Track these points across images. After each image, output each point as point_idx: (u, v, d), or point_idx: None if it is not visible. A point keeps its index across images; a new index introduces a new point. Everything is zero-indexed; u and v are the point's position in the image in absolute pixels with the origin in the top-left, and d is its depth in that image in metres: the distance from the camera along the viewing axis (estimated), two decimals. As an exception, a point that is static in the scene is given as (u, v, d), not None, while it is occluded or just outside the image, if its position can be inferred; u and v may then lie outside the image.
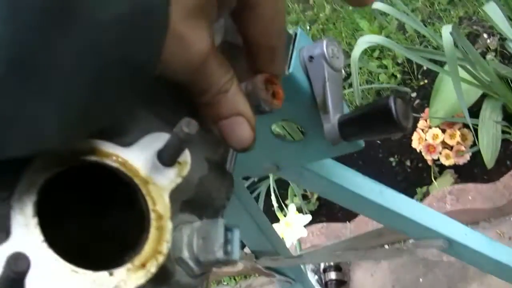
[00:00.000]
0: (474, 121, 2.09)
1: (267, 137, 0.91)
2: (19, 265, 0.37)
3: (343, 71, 2.40)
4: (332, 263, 2.43)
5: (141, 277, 0.43)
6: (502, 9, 1.79)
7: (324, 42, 0.81)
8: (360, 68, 2.82)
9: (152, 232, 0.45)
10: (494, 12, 1.80)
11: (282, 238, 1.61)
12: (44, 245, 0.42)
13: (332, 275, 2.41)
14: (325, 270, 2.45)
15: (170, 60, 0.43)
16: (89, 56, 0.34)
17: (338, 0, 3.33)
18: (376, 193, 1.03)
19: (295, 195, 2.63)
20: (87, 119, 0.39)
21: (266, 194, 2.67)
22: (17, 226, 0.42)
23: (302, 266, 1.47)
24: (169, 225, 0.46)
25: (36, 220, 0.42)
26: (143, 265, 0.44)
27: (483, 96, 2.15)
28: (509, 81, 2.18)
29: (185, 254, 0.47)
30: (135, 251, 0.45)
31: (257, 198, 2.62)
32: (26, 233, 0.42)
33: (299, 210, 2.46)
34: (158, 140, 0.49)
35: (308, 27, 3.33)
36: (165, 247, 0.45)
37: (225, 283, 2.81)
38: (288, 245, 2.27)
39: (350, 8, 3.21)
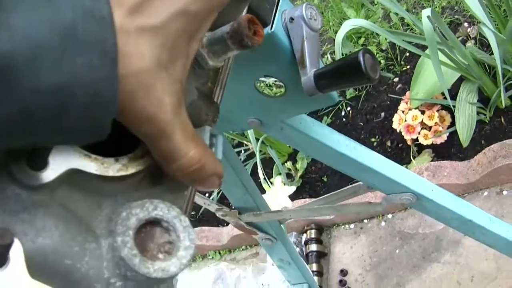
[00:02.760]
0: (451, 103, 2.19)
1: (251, 93, 1.01)
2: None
3: (328, 55, 2.49)
4: (313, 236, 2.53)
5: (140, 164, 0.53)
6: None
7: (304, 6, 0.92)
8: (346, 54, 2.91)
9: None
10: (472, 1, 1.91)
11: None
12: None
13: (313, 247, 2.50)
14: (306, 243, 2.54)
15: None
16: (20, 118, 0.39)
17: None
18: (351, 148, 1.13)
19: (279, 174, 2.72)
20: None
21: (252, 172, 2.76)
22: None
23: (283, 226, 1.56)
24: (165, 128, 0.56)
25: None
26: (142, 156, 0.54)
27: (461, 80, 2.25)
28: (486, 66, 2.29)
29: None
30: (136, 146, 0.55)
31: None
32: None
33: (283, 186, 2.56)
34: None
35: (296, 14, 3.41)
36: (161, 144, 0.55)
37: (210, 256, 2.89)
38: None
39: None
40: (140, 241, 0.52)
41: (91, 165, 0.51)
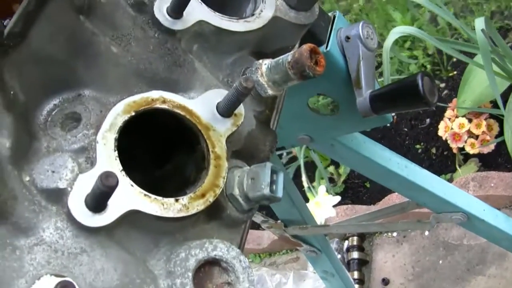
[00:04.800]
0: (500, 112, 2.14)
1: (303, 110, 0.99)
2: (110, 180, 0.45)
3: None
4: (355, 243, 2.50)
5: (201, 204, 0.52)
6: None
7: (360, 24, 0.90)
8: (391, 58, 2.87)
9: (211, 169, 0.54)
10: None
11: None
12: (122, 173, 0.51)
13: (355, 254, 2.48)
14: (348, 250, 2.52)
15: None
16: None
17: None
18: (402, 167, 1.11)
19: (322, 178, 2.70)
20: None
21: (294, 176, 2.74)
22: (101, 157, 0.50)
23: (327, 237, 1.54)
24: (225, 164, 0.55)
25: (116, 153, 0.51)
26: (203, 195, 0.53)
27: (510, 89, 2.20)
28: (537, 75, 2.23)
29: (236, 192, 0.56)
30: (195, 185, 0.54)
31: (285, 179, 2.68)
32: (108, 163, 0.50)
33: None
34: (217, 95, 0.57)
35: (341, 16, 3.38)
36: (221, 182, 0.54)
37: (250, 259, 2.88)
38: (315, 223, 2.35)
39: (384, -1, 3.27)
40: (199, 281, 0.51)
41: (151, 206, 0.50)
